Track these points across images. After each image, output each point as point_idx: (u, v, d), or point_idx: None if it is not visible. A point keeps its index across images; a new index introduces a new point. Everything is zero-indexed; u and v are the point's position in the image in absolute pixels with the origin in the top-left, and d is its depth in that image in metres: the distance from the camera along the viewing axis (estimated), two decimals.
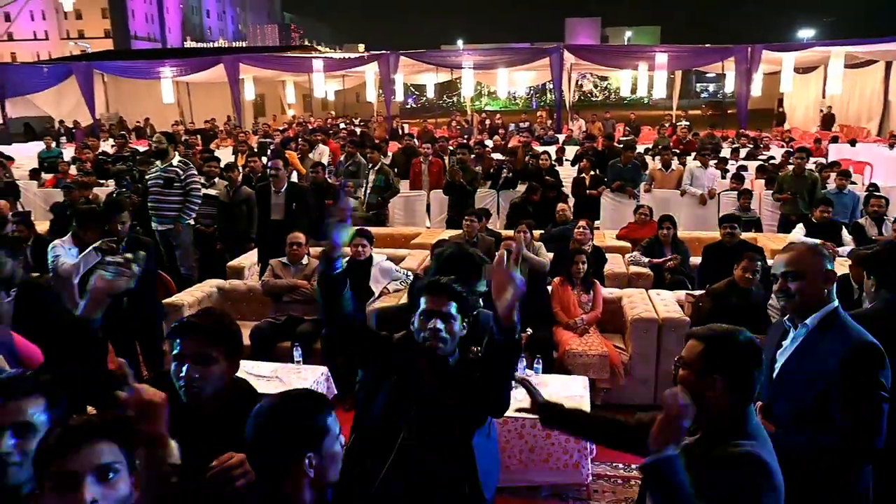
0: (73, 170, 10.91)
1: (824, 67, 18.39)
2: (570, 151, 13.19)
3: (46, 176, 11.15)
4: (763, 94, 18.79)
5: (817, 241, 6.62)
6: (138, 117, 20.97)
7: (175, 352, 2.01)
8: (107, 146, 14.60)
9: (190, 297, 5.54)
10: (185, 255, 6.56)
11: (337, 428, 1.70)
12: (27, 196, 10.36)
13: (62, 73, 19.31)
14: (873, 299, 2.76)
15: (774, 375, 2.48)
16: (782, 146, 14.01)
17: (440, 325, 2.23)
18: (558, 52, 17.59)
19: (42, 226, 7.65)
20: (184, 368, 1.97)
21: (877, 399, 2.23)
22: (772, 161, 11.29)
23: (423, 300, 2.30)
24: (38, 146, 14.33)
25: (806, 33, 39.51)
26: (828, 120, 19.30)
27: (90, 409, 2.19)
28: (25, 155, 13.89)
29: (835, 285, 2.44)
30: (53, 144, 14.30)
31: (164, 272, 6.16)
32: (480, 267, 2.77)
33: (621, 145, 10.03)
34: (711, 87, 47.39)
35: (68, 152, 13.69)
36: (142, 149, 12.59)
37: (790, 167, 8.35)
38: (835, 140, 14.89)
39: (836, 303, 2.41)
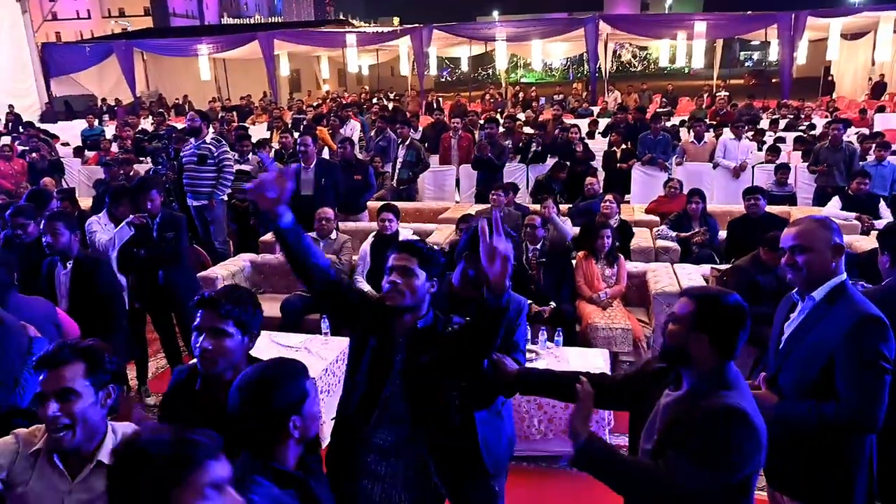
0: (114, 147, 11.24)
1: (874, 33, 17.72)
2: (604, 124, 13.05)
3: (89, 153, 11.51)
4: (809, 62, 18.20)
5: (853, 213, 6.56)
6: (177, 94, 21.35)
7: (195, 323, 2.15)
8: (147, 124, 14.96)
9: (223, 271, 5.74)
10: (218, 230, 6.77)
11: (314, 390, 1.83)
12: (71, 173, 10.72)
13: (103, 52, 19.71)
14: (888, 276, 2.76)
15: (780, 347, 2.52)
16: (826, 116, 13.60)
17: (398, 278, 2.25)
18: (593, 22, 17.28)
19: (86, 202, 7.97)
20: (200, 339, 2.10)
21: (879, 370, 2.26)
22: (812, 132, 10.99)
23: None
24: (81, 124, 14.74)
25: None
26: (878, 88, 18.57)
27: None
28: (70, 133, 14.32)
29: (843, 258, 2.45)
30: (96, 122, 14.68)
31: (200, 246, 6.38)
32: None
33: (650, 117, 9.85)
34: (756, 56, 45.90)
35: (110, 130, 14.08)
36: (180, 126, 12.89)
37: (827, 140, 8.14)
38: (881, 110, 14.37)
39: (844, 276, 2.42)
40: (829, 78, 20.60)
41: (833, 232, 2.42)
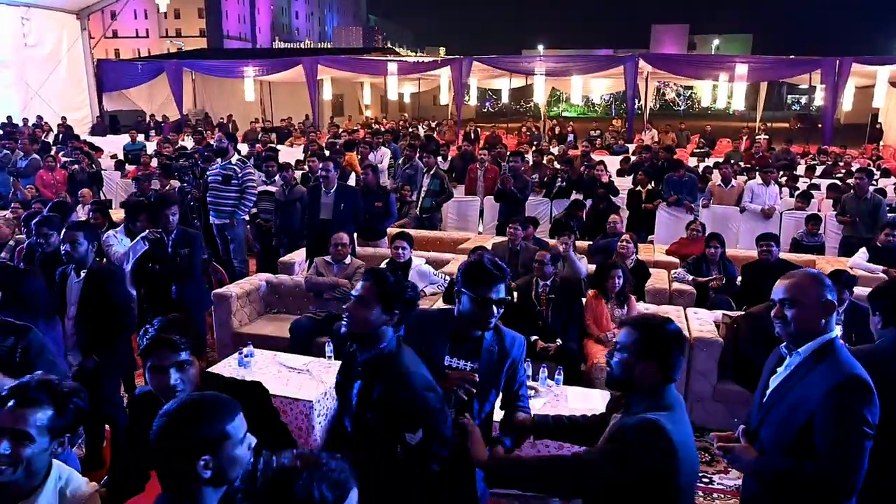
0: (153, 162, 11.61)
1: None
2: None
3: (129, 167, 11.91)
4: (856, 109, 17.86)
5: (880, 266, 6.39)
6: (223, 114, 21.98)
7: (153, 364, 2.18)
8: (189, 141, 15.43)
9: (238, 289, 5.85)
10: (238, 249, 6.92)
11: (241, 432, 1.71)
12: (110, 185, 11.11)
13: (154, 71, 20.44)
14: (880, 336, 2.69)
15: (763, 400, 2.47)
16: (868, 164, 13.30)
17: (351, 308, 2.27)
18: (633, 60, 17.30)
19: (119, 215, 8.24)
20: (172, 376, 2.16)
21: (860, 434, 2.19)
22: (848, 180, 10.74)
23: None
24: (125, 138, 15.28)
25: None
26: None
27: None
28: (118, 147, 14.83)
29: (835, 315, 2.40)
30: (139, 137, 15.18)
31: (219, 264, 6.53)
32: (493, 276, 2.65)
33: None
34: (803, 100, 45.30)
35: (153, 145, 14.54)
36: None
37: (851, 190, 7.98)
38: None
39: (834, 334, 2.37)
40: (878, 126, 20.17)
41: (826, 289, 2.37)
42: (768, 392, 2.47)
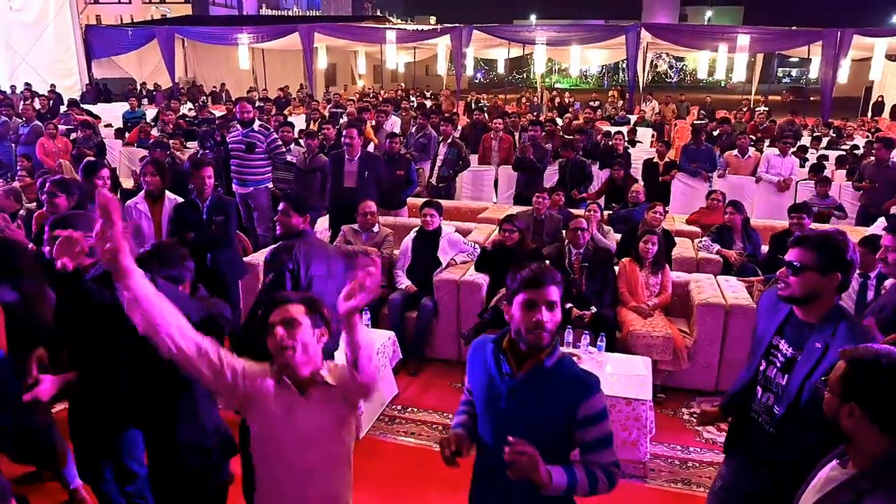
0: (154, 131, 11.41)
1: None
2: (641, 133, 13.00)
3: (128, 135, 11.68)
4: (850, 82, 17.89)
5: None
6: (214, 82, 21.59)
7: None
8: (184, 109, 15.17)
9: (263, 257, 5.80)
10: (262, 217, 6.85)
11: None
12: (112, 153, 10.91)
13: (146, 37, 19.96)
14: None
15: None
16: (867, 136, 13.39)
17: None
18: (635, 30, 17.16)
19: (126, 182, 8.13)
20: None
21: None
22: (855, 151, 10.83)
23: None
24: (120, 106, 14.97)
25: None
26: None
27: None
28: (110, 115, 14.56)
29: None
30: (138, 106, 14.91)
31: (242, 232, 6.46)
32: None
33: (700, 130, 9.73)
34: (794, 73, 45.37)
35: (150, 113, 14.30)
36: (218, 113, 13.05)
37: (872, 157, 8.03)
38: None
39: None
40: (879, 99, 20.19)
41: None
42: None
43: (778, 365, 2.31)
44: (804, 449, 1.94)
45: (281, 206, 3.73)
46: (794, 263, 2.19)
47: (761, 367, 2.38)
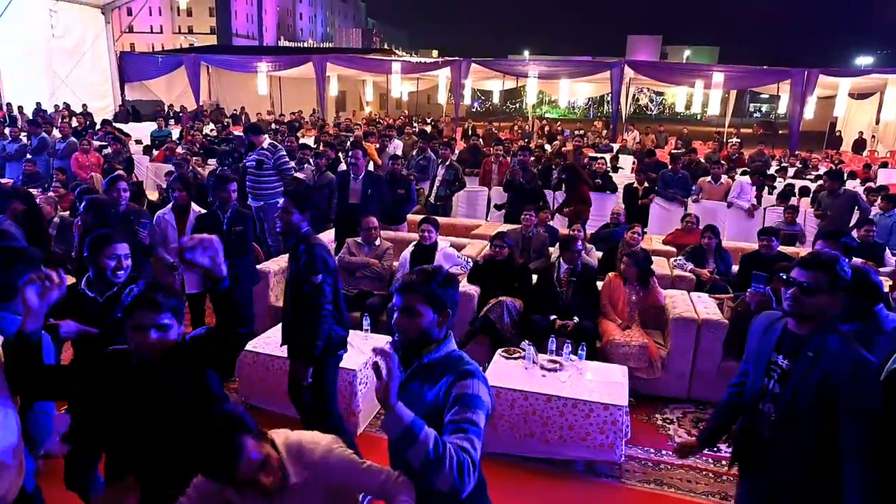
0: (179, 148, 11.42)
1: (880, 94, 17.53)
2: (623, 160, 13.07)
3: (156, 152, 11.70)
4: (816, 117, 18.00)
5: (859, 260, 6.43)
6: (235, 105, 21.69)
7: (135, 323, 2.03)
8: (206, 129, 15.21)
9: (275, 266, 5.78)
10: (272, 229, 6.83)
11: None
12: (140, 168, 10.91)
13: (174, 64, 20.10)
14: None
15: None
16: (831, 167, 13.41)
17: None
18: (619, 66, 17.29)
19: (152, 195, 8.11)
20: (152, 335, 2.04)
21: None
22: (819, 182, 10.85)
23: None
24: (149, 126, 15.00)
25: (863, 61, 37.56)
26: (858, 145, 18.40)
27: None
28: (139, 133, 14.58)
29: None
30: (165, 125, 14.98)
31: (256, 243, 6.44)
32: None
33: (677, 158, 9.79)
34: (764, 108, 45.65)
35: (175, 133, 14.33)
36: (238, 133, 13.10)
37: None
38: (885, 166, 14.16)
39: None
40: (837, 133, 20.34)
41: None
42: None
43: (776, 378, 2.30)
44: (802, 452, 2.11)
45: (281, 203, 3.33)
46: (805, 284, 2.16)
47: (763, 383, 2.35)
